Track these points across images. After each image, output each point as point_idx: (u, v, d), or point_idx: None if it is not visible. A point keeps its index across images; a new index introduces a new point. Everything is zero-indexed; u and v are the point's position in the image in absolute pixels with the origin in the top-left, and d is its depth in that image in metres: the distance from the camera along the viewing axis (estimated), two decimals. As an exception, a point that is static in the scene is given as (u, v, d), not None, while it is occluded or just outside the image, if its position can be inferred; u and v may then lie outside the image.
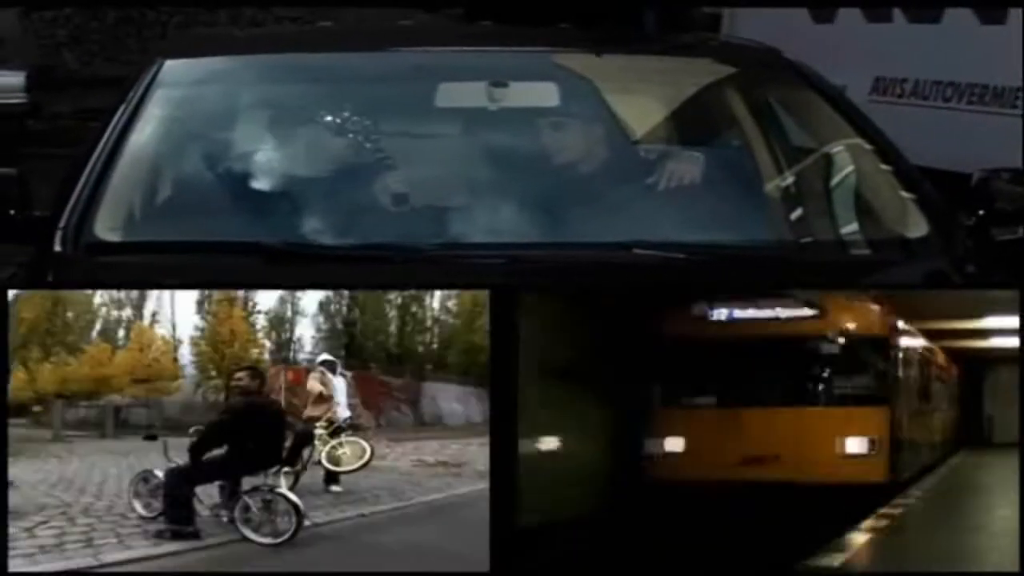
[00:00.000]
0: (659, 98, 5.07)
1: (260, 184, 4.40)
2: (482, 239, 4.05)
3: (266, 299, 6.23)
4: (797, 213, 4.63)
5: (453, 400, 7.11)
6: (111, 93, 4.72)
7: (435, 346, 7.43)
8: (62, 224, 3.97)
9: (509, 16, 8.64)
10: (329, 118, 4.56)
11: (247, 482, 4.54)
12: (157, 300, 5.74)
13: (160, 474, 4.68)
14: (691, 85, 5.06)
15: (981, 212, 4.27)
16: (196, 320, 5.96)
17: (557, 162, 4.50)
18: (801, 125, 4.96)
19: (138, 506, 4.75)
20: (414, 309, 7.30)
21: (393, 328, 7.42)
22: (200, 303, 6.05)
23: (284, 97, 4.86)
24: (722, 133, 5.05)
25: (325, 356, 5.50)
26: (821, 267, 4.13)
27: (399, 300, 7.01)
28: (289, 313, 6.80)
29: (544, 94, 4.83)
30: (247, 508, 4.47)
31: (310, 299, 6.32)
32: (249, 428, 4.62)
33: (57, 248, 3.93)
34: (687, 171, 4.51)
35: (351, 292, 6.17)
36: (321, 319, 6.89)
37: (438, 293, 6.61)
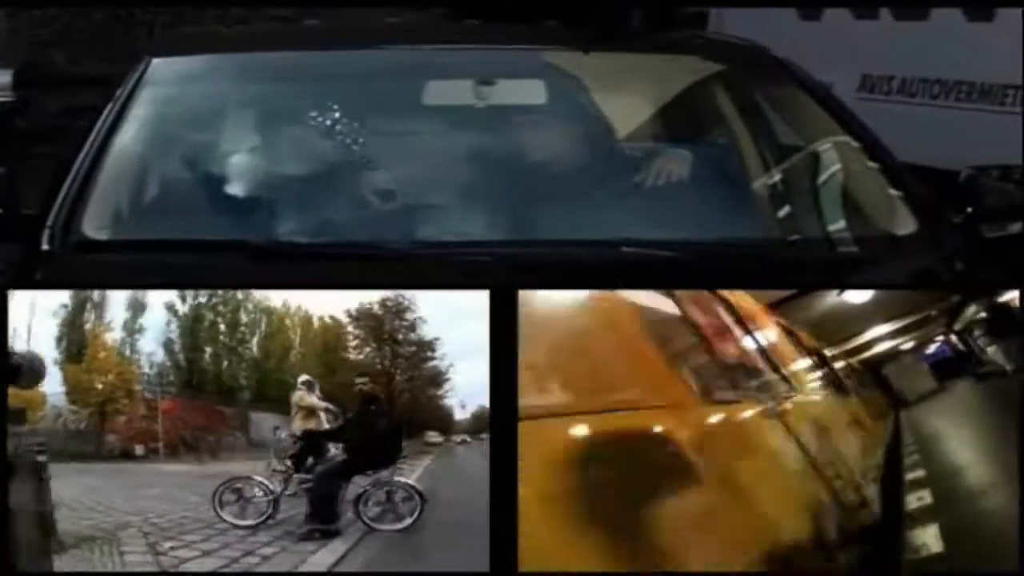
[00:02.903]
0: (646, 96, 5.08)
1: (248, 182, 4.40)
2: (469, 237, 4.05)
3: (111, 337, 7.13)
4: (785, 210, 4.62)
5: (272, 427, 8.18)
6: (99, 91, 4.72)
7: (254, 383, 8.47)
8: (50, 222, 3.97)
9: (496, 14, 8.64)
10: (316, 116, 4.56)
11: (365, 479, 4.94)
12: (13, 335, 6.34)
13: (259, 479, 5.06)
14: (678, 83, 5.06)
15: (969, 209, 4.27)
16: (56, 355, 6.50)
17: (544, 160, 4.50)
18: (788, 122, 4.96)
19: (227, 515, 4.99)
20: (240, 350, 8.40)
21: (224, 365, 8.47)
22: (59, 339, 6.74)
23: (272, 95, 4.86)
24: (709, 130, 5.05)
25: (305, 377, 5.88)
26: (809, 264, 4.13)
27: (226, 341, 8.17)
28: (128, 351, 7.72)
29: (531, 92, 4.84)
30: (370, 501, 4.83)
31: (147, 340, 7.25)
32: (376, 427, 5.08)
33: (45, 247, 3.92)
34: (674, 169, 4.51)
35: (189, 334, 7.38)
36: (163, 355, 7.87)
37: (255, 339, 7.81)
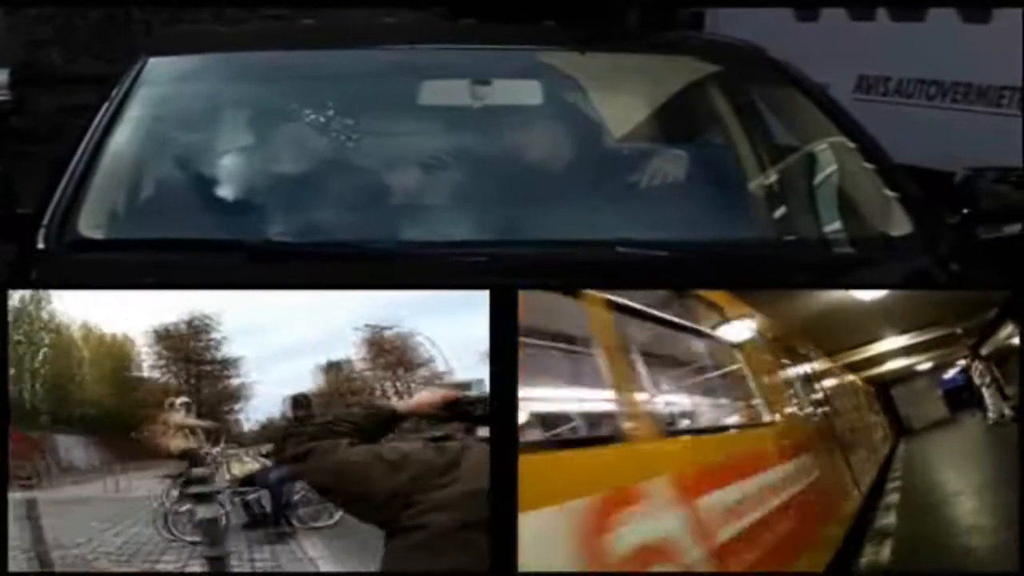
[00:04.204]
0: (642, 96, 5.07)
1: (244, 181, 4.40)
2: (464, 237, 4.04)
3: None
4: (780, 211, 4.63)
5: (80, 448, 8.36)
6: (95, 90, 4.71)
7: (53, 405, 8.72)
8: (45, 221, 3.96)
9: (493, 14, 8.64)
10: (312, 116, 4.56)
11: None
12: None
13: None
14: (674, 83, 5.06)
15: (965, 211, 4.27)
16: None
17: (540, 160, 4.50)
18: (784, 123, 4.96)
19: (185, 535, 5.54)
20: (43, 371, 8.67)
21: (27, 388, 8.70)
22: None
23: (268, 95, 4.86)
24: (705, 131, 5.05)
25: (183, 399, 6.42)
26: (804, 265, 4.13)
27: (29, 364, 8.40)
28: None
29: (527, 92, 4.83)
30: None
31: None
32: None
33: (40, 245, 3.91)
34: (670, 169, 4.51)
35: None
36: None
37: (51, 360, 8.31)
